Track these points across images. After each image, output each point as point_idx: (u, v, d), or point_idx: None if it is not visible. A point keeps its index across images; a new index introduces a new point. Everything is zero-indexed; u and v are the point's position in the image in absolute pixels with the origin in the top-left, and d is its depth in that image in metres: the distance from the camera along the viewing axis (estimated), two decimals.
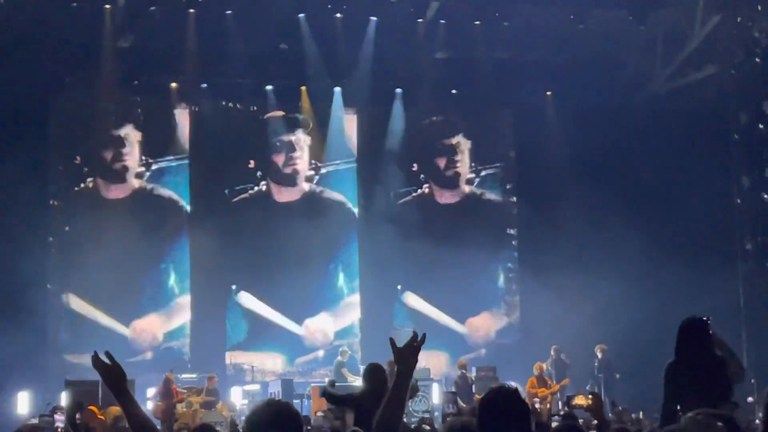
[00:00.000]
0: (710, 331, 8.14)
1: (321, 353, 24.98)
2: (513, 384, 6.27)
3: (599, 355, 22.36)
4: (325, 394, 10.86)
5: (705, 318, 8.23)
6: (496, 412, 4.50)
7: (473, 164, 26.75)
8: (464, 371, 22.14)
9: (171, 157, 24.90)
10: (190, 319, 24.42)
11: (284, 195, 25.53)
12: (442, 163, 26.64)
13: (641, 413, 17.84)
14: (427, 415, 18.55)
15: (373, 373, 10.09)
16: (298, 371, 24.56)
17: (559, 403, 20.62)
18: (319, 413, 18.16)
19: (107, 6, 22.68)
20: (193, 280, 24.52)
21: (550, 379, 21.86)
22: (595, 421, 6.52)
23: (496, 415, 4.48)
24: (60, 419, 16.95)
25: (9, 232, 21.96)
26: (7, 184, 22.05)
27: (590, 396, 6.40)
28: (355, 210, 25.81)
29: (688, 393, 7.70)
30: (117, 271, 23.45)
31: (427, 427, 10.80)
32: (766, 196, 23.80)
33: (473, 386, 22.02)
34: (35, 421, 15.94)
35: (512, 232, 26.50)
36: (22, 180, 22.12)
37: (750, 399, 18.58)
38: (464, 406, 21.29)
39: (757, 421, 4.71)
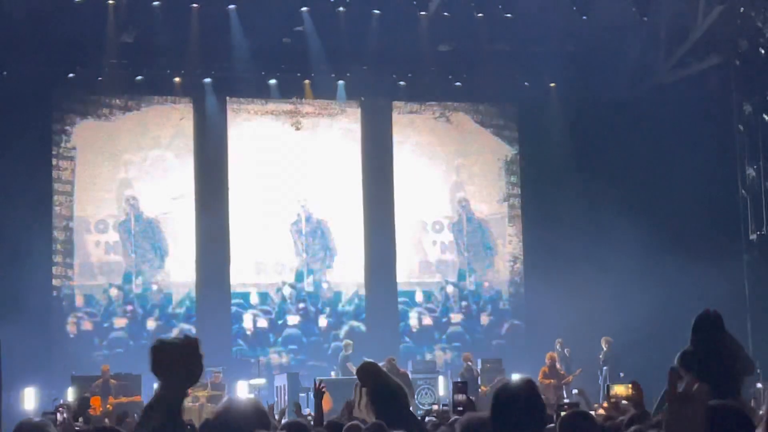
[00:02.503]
0: (724, 326, 8.20)
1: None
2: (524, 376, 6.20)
3: (604, 347, 22.36)
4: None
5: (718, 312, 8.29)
6: (511, 405, 4.34)
7: None
8: (470, 363, 22.17)
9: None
10: (195, 310, 24.49)
11: None
12: None
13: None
14: (434, 407, 18.47)
15: (366, 372, 10.02)
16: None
17: (573, 391, 20.41)
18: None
19: (111, 1, 22.69)
20: (199, 271, 24.59)
21: (562, 370, 21.82)
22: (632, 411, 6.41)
23: (512, 409, 4.33)
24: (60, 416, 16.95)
25: (13, 227, 21.97)
26: (11, 179, 22.07)
27: (630, 386, 6.34)
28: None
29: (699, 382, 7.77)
30: None
31: (435, 418, 10.77)
32: None
33: (479, 378, 22.04)
34: (37, 419, 15.92)
35: (518, 223, 26.48)
36: (25, 175, 22.18)
37: (759, 385, 18.61)
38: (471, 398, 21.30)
39: (761, 412, 4.68)
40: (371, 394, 9.69)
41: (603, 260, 23.58)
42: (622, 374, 21.97)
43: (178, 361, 3.49)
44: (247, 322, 24.84)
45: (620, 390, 6.53)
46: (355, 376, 9.73)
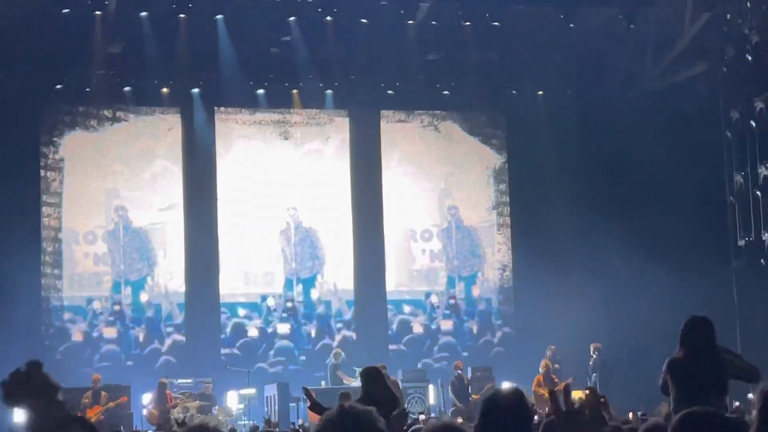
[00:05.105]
0: (714, 333, 8.23)
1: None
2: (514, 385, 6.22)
3: (593, 354, 22.38)
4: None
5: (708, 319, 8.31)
6: (497, 413, 4.37)
7: None
8: (460, 372, 22.18)
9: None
10: (184, 322, 24.44)
11: None
12: None
13: (629, 413, 17.78)
14: (422, 416, 18.49)
15: (370, 376, 10.06)
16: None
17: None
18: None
19: (98, 12, 22.65)
20: (188, 281, 24.55)
21: (556, 377, 21.83)
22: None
23: (498, 417, 4.36)
24: None
25: (0, 239, 21.89)
26: None
27: (586, 390, 6.37)
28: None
29: (685, 386, 7.82)
30: None
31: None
32: (758, 193, 23.81)
33: (469, 387, 22.04)
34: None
35: (506, 231, 26.49)
36: (13, 186, 22.12)
37: (750, 396, 18.60)
38: (461, 406, 21.33)
39: (753, 414, 4.68)
40: (364, 398, 9.69)
41: (592, 267, 23.61)
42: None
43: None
44: (237, 332, 24.78)
45: (578, 395, 6.53)
46: (345, 384, 9.75)
